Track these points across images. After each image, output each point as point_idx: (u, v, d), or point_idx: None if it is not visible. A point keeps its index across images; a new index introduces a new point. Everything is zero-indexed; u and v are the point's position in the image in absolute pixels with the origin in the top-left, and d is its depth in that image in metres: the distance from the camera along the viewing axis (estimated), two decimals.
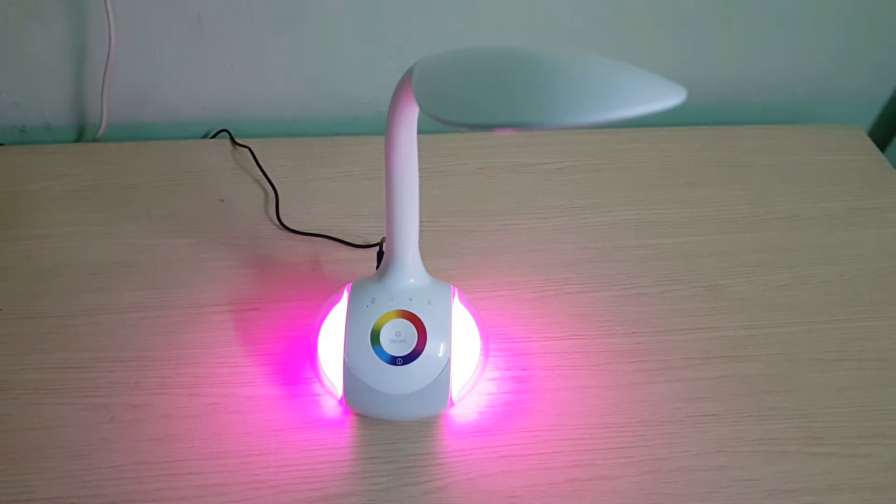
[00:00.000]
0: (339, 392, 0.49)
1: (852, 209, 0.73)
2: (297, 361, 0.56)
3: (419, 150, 0.44)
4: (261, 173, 0.73)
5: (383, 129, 0.43)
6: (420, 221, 0.48)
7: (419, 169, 0.45)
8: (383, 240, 0.51)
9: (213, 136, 0.80)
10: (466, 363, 0.50)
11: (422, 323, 0.48)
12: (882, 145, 0.86)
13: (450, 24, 0.75)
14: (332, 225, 0.68)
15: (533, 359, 0.57)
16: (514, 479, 0.50)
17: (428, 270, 0.50)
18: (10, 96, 0.76)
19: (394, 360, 0.47)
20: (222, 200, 0.70)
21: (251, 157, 0.74)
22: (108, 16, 0.68)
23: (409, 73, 0.36)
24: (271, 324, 0.59)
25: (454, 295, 0.51)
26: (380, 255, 0.55)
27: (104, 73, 0.72)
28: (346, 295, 0.50)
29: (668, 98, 0.28)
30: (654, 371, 0.57)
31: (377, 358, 0.47)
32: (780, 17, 0.79)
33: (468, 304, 0.52)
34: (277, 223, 0.68)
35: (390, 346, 0.47)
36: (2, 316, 0.58)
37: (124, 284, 0.61)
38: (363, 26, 0.74)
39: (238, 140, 0.77)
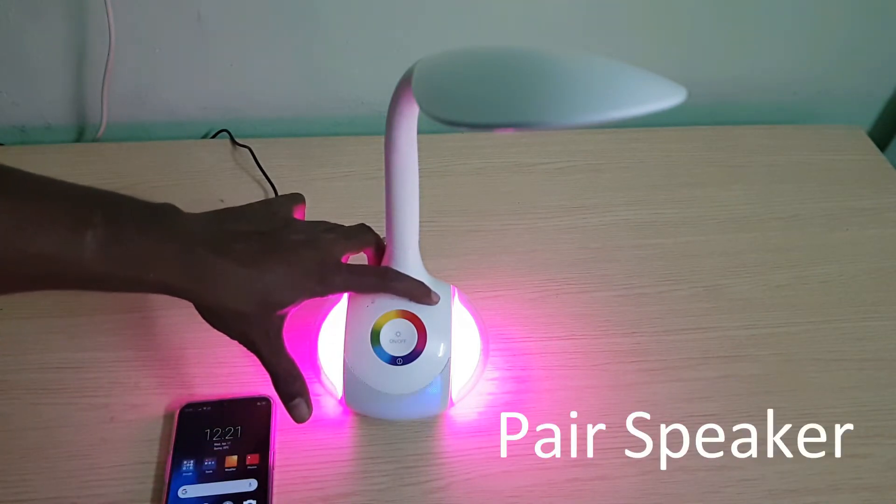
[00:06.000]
0: (339, 392, 0.49)
1: (852, 209, 0.73)
2: (297, 361, 0.56)
3: (419, 150, 0.44)
4: (261, 173, 0.73)
5: (383, 129, 0.42)
6: (420, 221, 0.48)
7: (419, 169, 0.45)
8: (383, 239, 0.51)
9: (213, 136, 0.80)
10: (466, 363, 0.50)
11: (422, 323, 0.48)
12: (882, 145, 0.86)
13: (450, 24, 0.75)
14: None
15: (533, 359, 0.57)
16: (514, 479, 0.50)
17: (428, 270, 0.50)
18: (10, 96, 0.76)
19: (394, 360, 0.47)
20: (222, 200, 0.70)
21: (251, 157, 0.74)
22: (107, 16, 0.68)
23: (409, 73, 0.36)
24: None
25: (454, 295, 0.50)
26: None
27: (104, 73, 0.72)
28: (346, 295, 0.50)
29: (668, 98, 0.28)
30: (654, 371, 0.57)
31: (377, 358, 0.47)
32: (781, 17, 0.79)
33: (468, 304, 0.52)
34: None
35: (390, 346, 0.47)
36: (2, 316, 0.58)
37: None
38: (363, 26, 0.74)
39: (238, 140, 0.77)
